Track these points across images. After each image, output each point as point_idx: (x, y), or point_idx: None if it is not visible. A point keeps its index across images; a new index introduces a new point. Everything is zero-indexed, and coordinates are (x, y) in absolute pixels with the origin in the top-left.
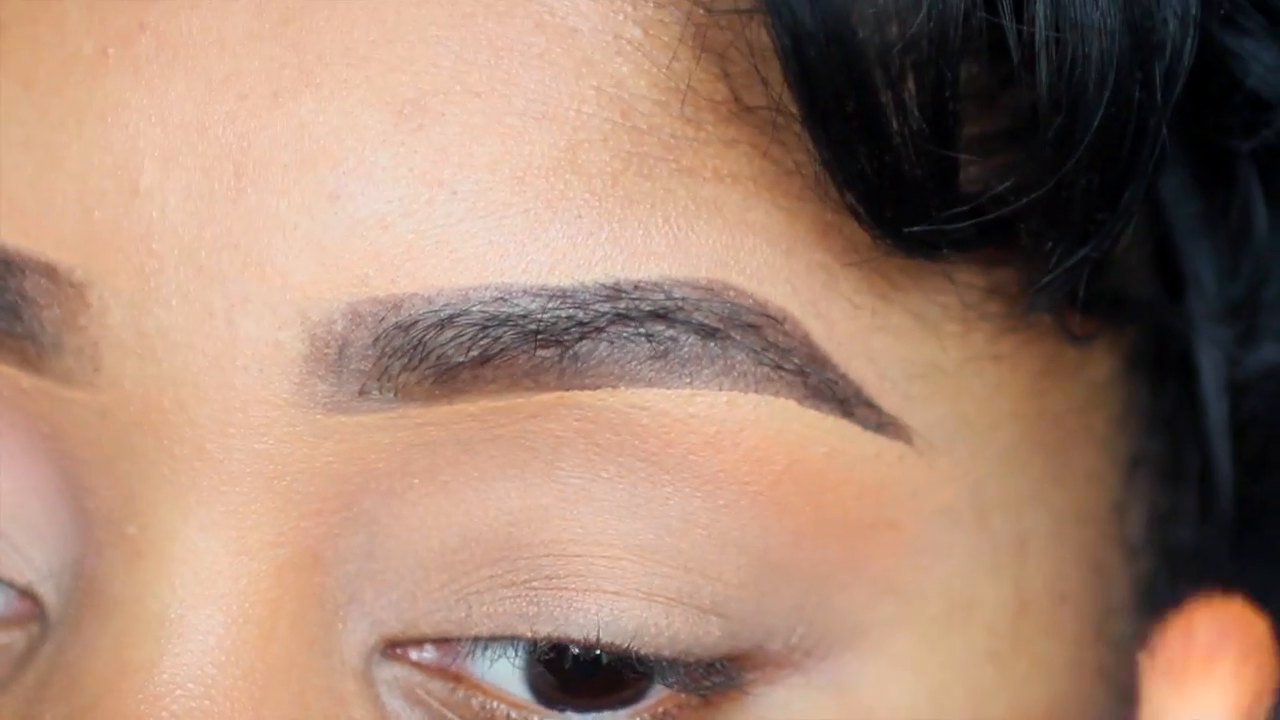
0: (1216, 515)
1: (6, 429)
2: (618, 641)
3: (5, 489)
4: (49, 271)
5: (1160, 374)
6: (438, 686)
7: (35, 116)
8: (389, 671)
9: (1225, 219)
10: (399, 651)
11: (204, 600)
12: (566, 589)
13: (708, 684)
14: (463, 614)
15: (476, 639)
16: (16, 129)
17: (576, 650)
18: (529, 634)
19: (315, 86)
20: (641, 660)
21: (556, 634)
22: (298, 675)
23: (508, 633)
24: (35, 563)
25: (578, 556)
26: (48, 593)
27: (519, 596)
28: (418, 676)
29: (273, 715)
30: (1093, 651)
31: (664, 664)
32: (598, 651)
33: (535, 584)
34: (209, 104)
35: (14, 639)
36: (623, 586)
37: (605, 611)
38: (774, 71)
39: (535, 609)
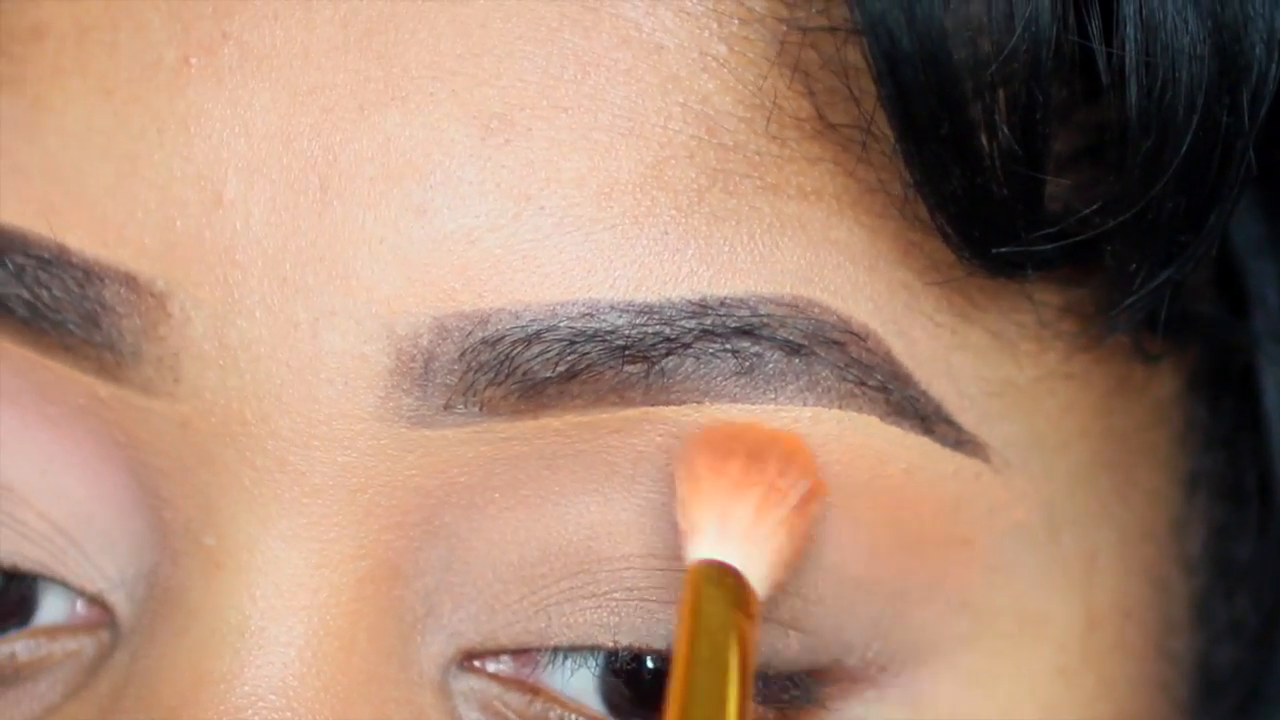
0: (1274, 531)
1: (83, 436)
2: None
3: (79, 497)
4: (129, 281)
5: (1218, 392)
6: (514, 698)
7: (115, 125)
8: (466, 683)
9: None
10: (475, 664)
11: (285, 612)
12: (648, 600)
13: (785, 698)
14: (542, 624)
15: (556, 649)
16: (96, 137)
17: (654, 663)
18: (610, 644)
19: (401, 100)
20: None
21: (638, 644)
22: (377, 688)
23: (588, 643)
24: (106, 571)
25: (659, 570)
26: (119, 601)
27: (600, 607)
28: (494, 688)
29: None
30: (1155, 667)
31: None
32: None
33: (616, 595)
34: (294, 116)
35: (83, 645)
36: None
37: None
38: (862, 88)
39: (616, 619)
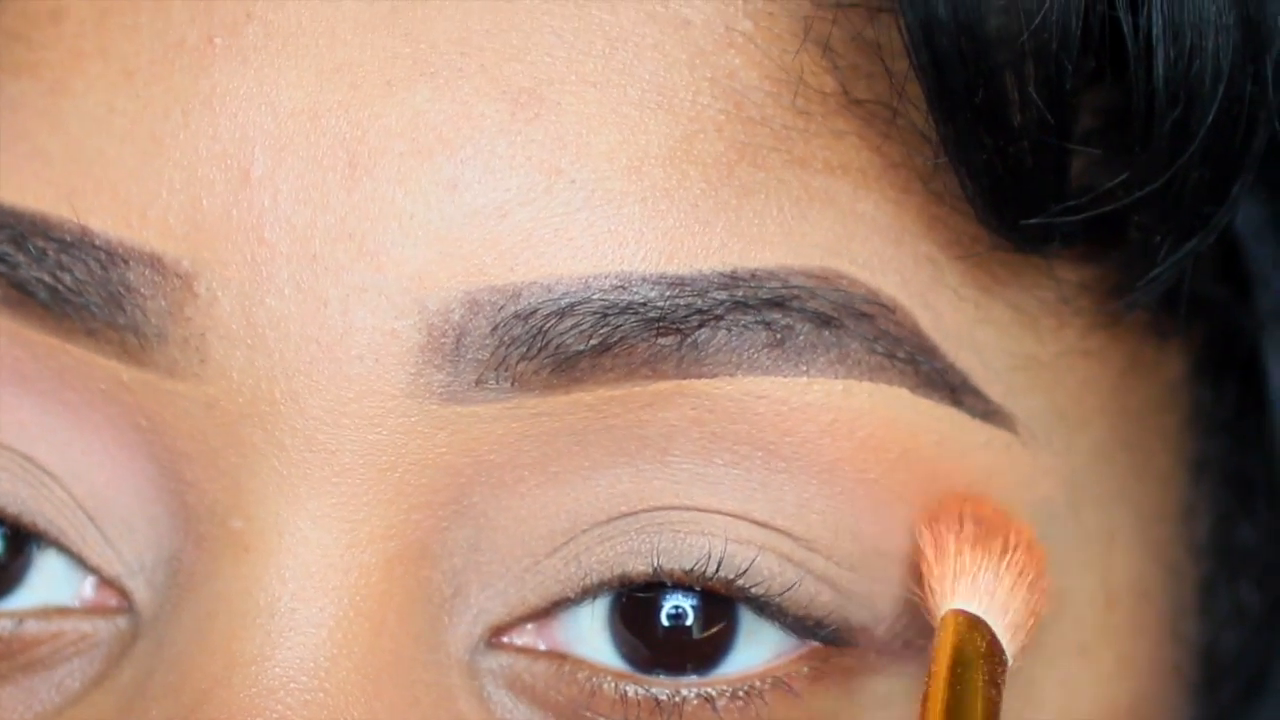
0: (1278, 517)
1: (103, 423)
2: (729, 574)
3: (99, 481)
4: (154, 262)
5: (1223, 378)
6: (541, 668)
7: (138, 106)
8: (493, 661)
9: None
10: (503, 640)
11: (315, 593)
12: (680, 532)
13: (821, 633)
14: (574, 571)
15: (585, 590)
16: (118, 119)
17: (672, 609)
18: (643, 567)
19: (430, 76)
20: (752, 599)
21: (671, 565)
22: (406, 670)
23: (618, 571)
24: (125, 556)
25: (693, 516)
26: (138, 588)
27: (632, 539)
28: (522, 662)
29: (384, 710)
30: (1169, 649)
31: (773, 607)
32: (699, 593)
33: (650, 529)
34: (321, 93)
35: (98, 628)
36: (738, 537)
37: (719, 547)
38: (887, 65)
39: (650, 545)
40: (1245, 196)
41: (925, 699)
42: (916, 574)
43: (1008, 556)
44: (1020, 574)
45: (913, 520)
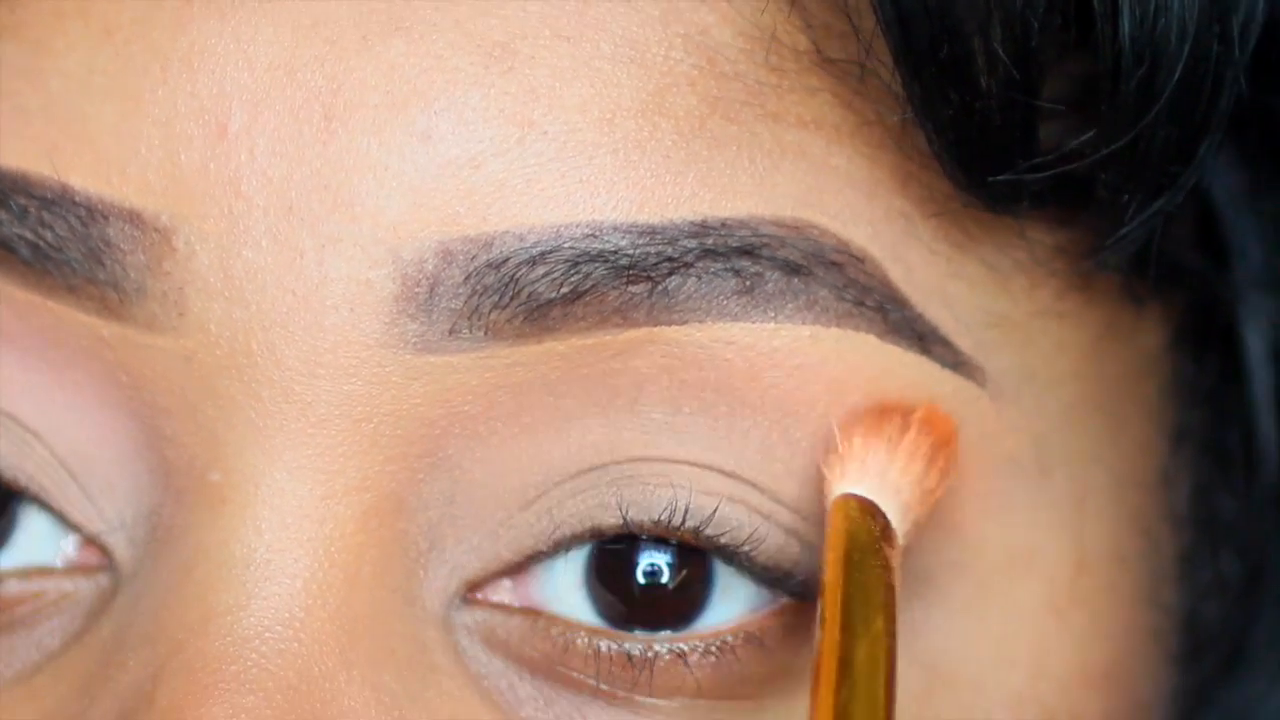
0: (1257, 488)
1: (84, 380)
2: (696, 523)
3: (80, 439)
4: (133, 217)
5: (1203, 349)
6: (516, 624)
7: (117, 64)
8: (468, 616)
9: (1272, 189)
10: (478, 595)
11: (290, 544)
12: (649, 484)
13: (789, 583)
14: (546, 525)
15: (558, 543)
16: (98, 77)
17: (648, 566)
18: (612, 520)
19: (405, 30)
20: (722, 548)
21: (639, 517)
22: (382, 622)
23: (589, 524)
24: (106, 513)
25: (661, 468)
26: (118, 544)
27: (602, 493)
28: (497, 617)
29: (359, 660)
30: (1147, 615)
31: (743, 556)
32: (674, 547)
33: (620, 482)
34: (297, 48)
35: (79, 586)
36: (706, 488)
37: (686, 498)
38: (858, 24)
39: (618, 499)
40: (1223, 165)
41: (823, 589)
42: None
43: (904, 435)
44: (914, 453)
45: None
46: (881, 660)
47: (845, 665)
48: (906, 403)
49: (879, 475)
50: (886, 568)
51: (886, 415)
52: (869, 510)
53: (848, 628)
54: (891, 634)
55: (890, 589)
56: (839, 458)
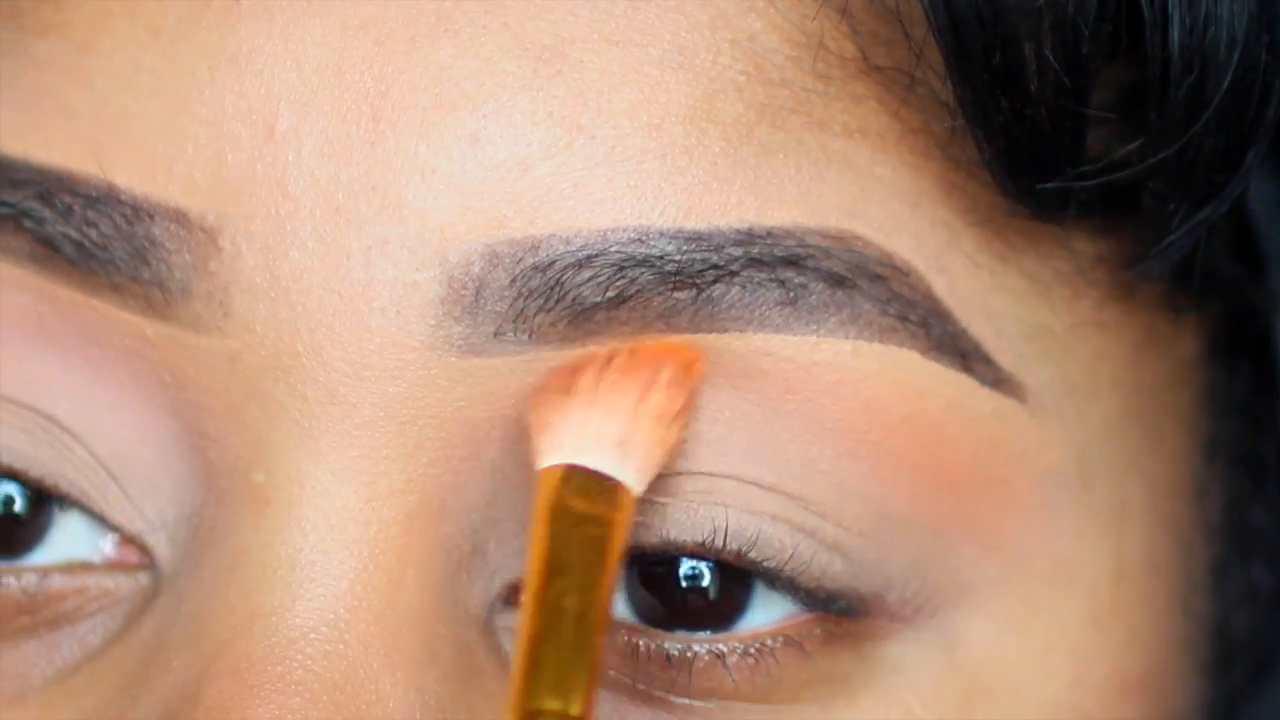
0: None
1: (126, 379)
2: (738, 545)
3: (121, 438)
4: (179, 217)
5: (1237, 359)
6: None
7: (164, 64)
8: (510, 619)
9: None
10: (520, 598)
11: (335, 545)
12: (692, 502)
13: (834, 608)
14: None
15: None
16: (145, 76)
17: (687, 573)
18: (654, 540)
19: (454, 33)
20: (764, 571)
21: (682, 537)
22: (425, 624)
23: (630, 542)
24: (147, 514)
25: (703, 482)
26: (159, 544)
27: (644, 509)
28: None
29: (404, 662)
30: (1181, 625)
31: (785, 579)
32: (711, 564)
33: (661, 499)
34: (345, 49)
35: (119, 583)
36: (748, 506)
37: (729, 519)
38: (904, 31)
39: (661, 519)
40: (1259, 175)
41: (528, 559)
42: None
43: (597, 384)
44: (610, 392)
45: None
46: (576, 611)
47: (542, 610)
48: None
49: (574, 437)
50: (596, 523)
51: (565, 370)
52: (564, 478)
53: (541, 601)
54: (587, 588)
55: (595, 545)
56: (531, 438)
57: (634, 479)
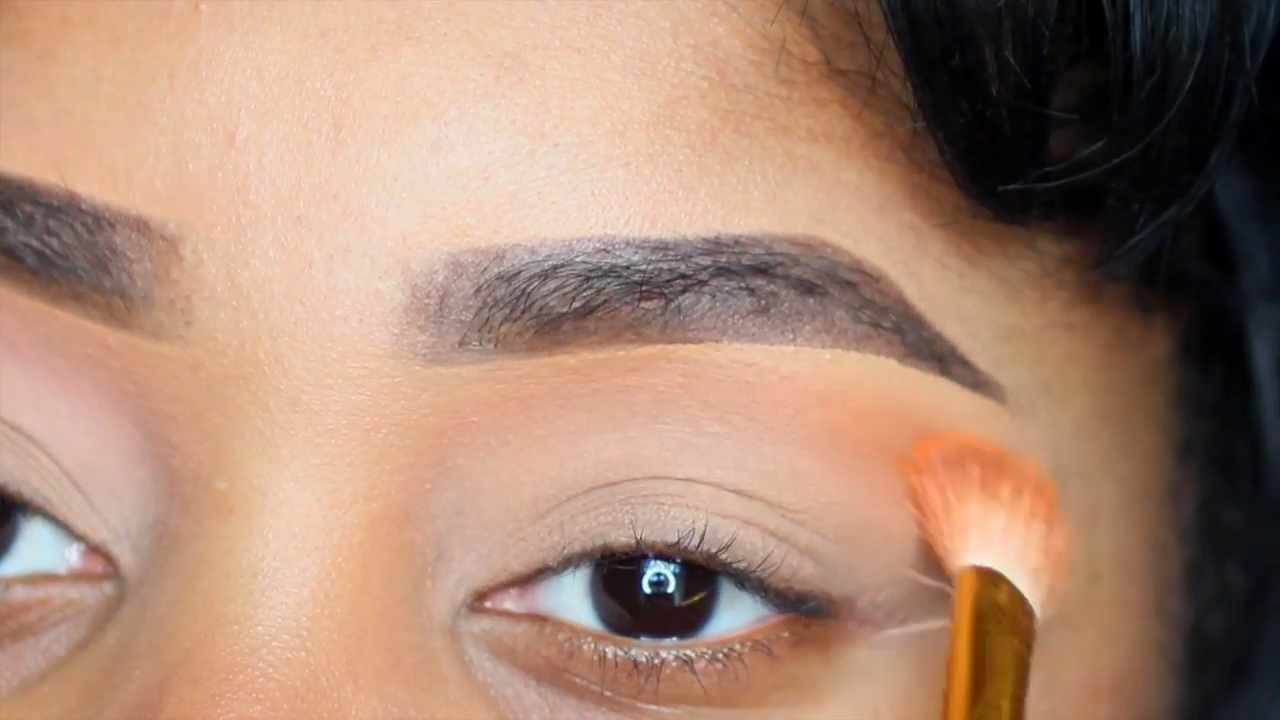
0: (1263, 500)
1: (89, 388)
2: (711, 548)
3: (85, 448)
4: (140, 225)
5: (1209, 359)
6: (522, 630)
7: (125, 73)
8: (475, 625)
9: (1278, 198)
10: (486, 604)
11: (298, 553)
12: (664, 504)
13: (805, 607)
14: (557, 540)
15: (569, 558)
16: (106, 85)
17: (654, 575)
18: (625, 539)
19: (415, 40)
20: (734, 573)
21: (652, 538)
22: (389, 631)
23: (600, 541)
24: (111, 522)
25: (680, 487)
26: (123, 553)
27: (616, 510)
28: (503, 625)
29: (366, 670)
30: (1154, 627)
31: (754, 580)
32: (679, 563)
33: (634, 500)
34: (306, 57)
35: (84, 593)
36: (722, 511)
37: (701, 521)
38: (868, 33)
39: (632, 518)
40: (1229, 174)
41: (950, 661)
42: (923, 532)
43: (1019, 500)
44: (1032, 516)
45: (907, 476)
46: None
47: (979, 704)
48: (1003, 456)
49: (1002, 544)
50: (1016, 636)
51: (997, 474)
52: (996, 582)
53: (976, 699)
54: (1017, 700)
55: (1019, 659)
56: (954, 526)
57: (1038, 610)
